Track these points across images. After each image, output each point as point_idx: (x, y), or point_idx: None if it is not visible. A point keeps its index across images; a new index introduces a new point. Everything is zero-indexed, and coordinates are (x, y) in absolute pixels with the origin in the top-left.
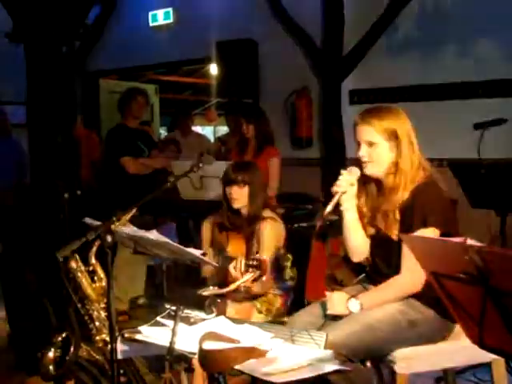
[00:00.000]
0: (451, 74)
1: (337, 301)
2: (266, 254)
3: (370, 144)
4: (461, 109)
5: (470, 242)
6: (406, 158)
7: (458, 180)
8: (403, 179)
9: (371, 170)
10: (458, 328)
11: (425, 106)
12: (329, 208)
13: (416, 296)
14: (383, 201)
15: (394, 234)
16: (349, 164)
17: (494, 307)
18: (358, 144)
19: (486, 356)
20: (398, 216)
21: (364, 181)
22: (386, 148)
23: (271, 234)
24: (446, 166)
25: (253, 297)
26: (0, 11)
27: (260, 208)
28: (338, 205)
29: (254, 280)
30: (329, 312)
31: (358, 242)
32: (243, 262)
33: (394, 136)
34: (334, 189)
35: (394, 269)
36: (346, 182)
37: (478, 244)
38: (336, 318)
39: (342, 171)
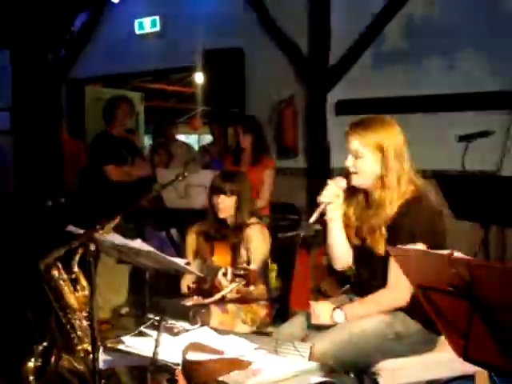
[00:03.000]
0: (437, 86)
1: (321, 311)
2: (257, 259)
3: (356, 155)
4: (446, 121)
5: (456, 254)
6: (392, 173)
7: (442, 191)
8: (389, 195)
9: (356, 181)
10: (442, 340)
11: (410, 117)
12: (313, 218)
13: (402, 308)
14: (371, 215)
15: (380, 249)
16: (334, 174)
17: (480, 320)
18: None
19: (469, 368)
20: (384, 232)
21: (353, 191)
22: (371, 160)
23: (260, 237)
24: (430, 177)
25: (241, 302)
26: None
27: (247, 218)
28: (323, 214)
29: (239, 290)
30: (313, 322)
31: (341, 251)
32: (229, 271)
33: (379, 149)
34: (320, 199)
35: (380, 281)
36: (332, 193)
37: (465, 257)
38: (320, 328)
39: (329, 181)
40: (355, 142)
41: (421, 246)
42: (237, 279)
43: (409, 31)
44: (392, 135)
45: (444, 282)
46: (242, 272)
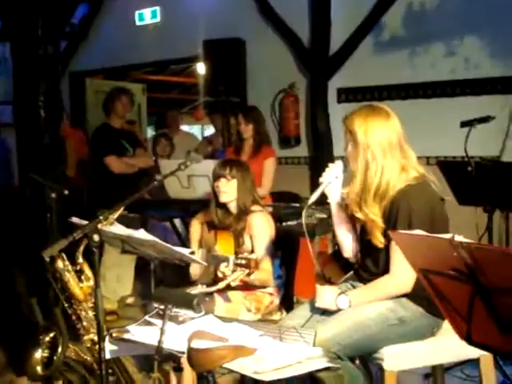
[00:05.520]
0: (438, 72)
1: (327, 295)
2: (261, 246)
3: (346, 142)
4: (448, 107)
5: (458, 238)
6: (374, 166)
7: (445, 178)
8: (374, 190)
9: (350, 166)
10: (446, 324)
11: (412, 104)
12: (313, 197)
13: (405, 293)
14: (365, 204)
15: (378, 243)
16: None
17: (483, 304)
18: None
19: (473, 352)
20: (380, 224)
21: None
22: (352, 149)
23: (263, 225)
24: (433, 164)
25: (245, 289)
26: None
27: (249, 204)
28: (323, 196)
29: (241, 279)
30: (317, 305)
31: (345, 238)
32: (231, 260)
33: (358, 141)
34: (320, 179)
35: (382, 269)
36: (331, 174)
37: (467, 240)
38: (324, 312)
39: (329, 164)
40: (344, 129)
41: (418, 233)
42: (239, 268)
43: (408, 18)
44: (377, 128)
45: (446, 266)
46: (243, 261)
